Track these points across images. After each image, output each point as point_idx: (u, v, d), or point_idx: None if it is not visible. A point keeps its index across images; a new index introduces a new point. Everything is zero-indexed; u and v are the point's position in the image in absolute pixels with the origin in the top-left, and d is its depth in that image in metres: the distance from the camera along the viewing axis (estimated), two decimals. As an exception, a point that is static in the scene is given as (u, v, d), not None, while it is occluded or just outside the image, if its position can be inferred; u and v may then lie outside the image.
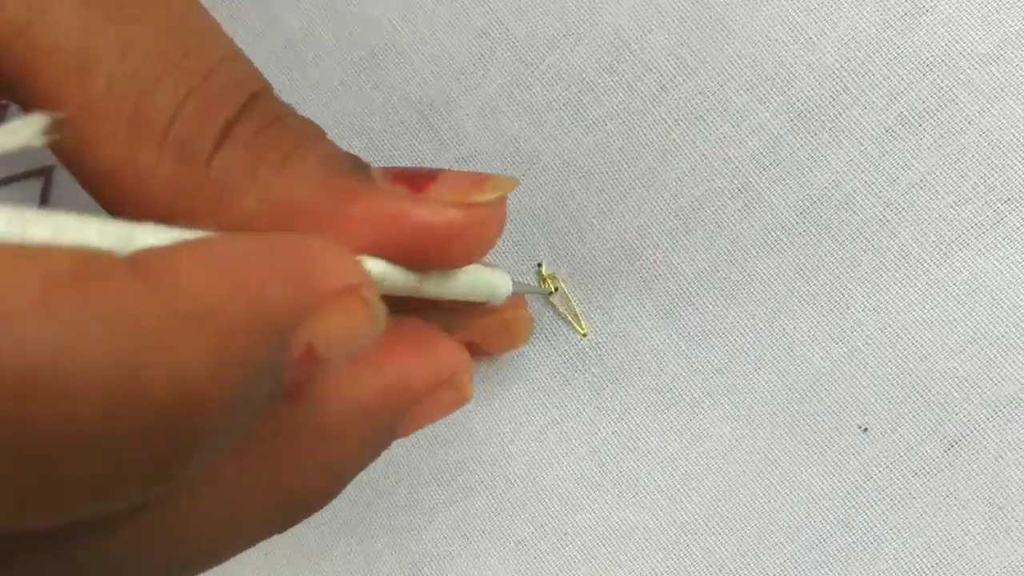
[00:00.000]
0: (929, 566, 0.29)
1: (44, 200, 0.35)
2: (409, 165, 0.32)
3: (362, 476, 0.32)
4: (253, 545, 0.22)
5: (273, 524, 0.22)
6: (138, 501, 0.17)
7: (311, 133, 0.23)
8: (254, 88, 0.22)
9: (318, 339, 0.18)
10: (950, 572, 0.29)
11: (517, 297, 0.29)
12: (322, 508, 0.23)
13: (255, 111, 0.22)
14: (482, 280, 0.25)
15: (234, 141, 0.21)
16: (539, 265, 0.31)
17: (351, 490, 0.32)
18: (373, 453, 0.23)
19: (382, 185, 0.22)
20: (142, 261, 0.16)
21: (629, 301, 0.31)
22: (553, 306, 0.31)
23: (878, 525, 0.30)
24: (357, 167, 0.22)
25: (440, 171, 0.22)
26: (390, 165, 0.32)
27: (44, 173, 0.35)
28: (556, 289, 0.31)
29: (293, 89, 0.33)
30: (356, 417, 0.21)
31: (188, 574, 0.21)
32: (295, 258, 0.18)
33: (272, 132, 0.22)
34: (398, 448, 0.32)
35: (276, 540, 0.32)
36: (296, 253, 0.18)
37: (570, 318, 0.31)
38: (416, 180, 0.22)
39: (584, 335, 0.31)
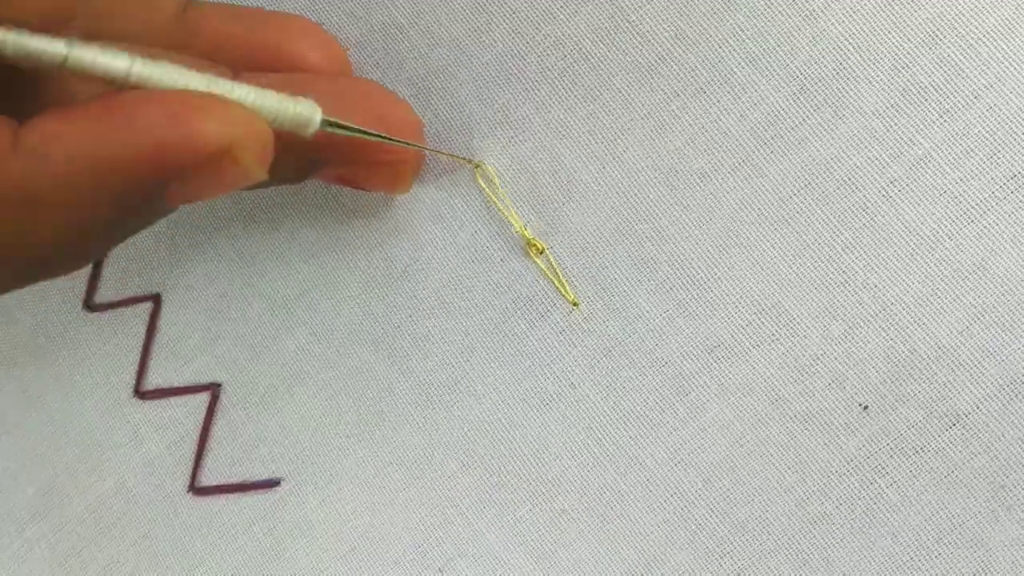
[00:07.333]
0: (931, 542, 0.29)
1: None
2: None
3: (363, 454, 0.32)
4: None
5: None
6: None
7: None
8: None
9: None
10: (951, 548, 0.29)
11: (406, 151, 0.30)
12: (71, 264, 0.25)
13: None
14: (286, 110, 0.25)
15: None
16: (525, 228, 0.31)
17: (351, 467, 0.32)
18: (122, 213, 0.24)
19: None
20: None
21: (623, 273, 0.30)
22: (542, 270, 0.31)
23: (878, 502, 0.29)
24: None
25: None
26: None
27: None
28: (542, 251, 0.31)
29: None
30: (90, 173, 0.22)
31: None
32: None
33: None
34: (394, 424, 0.32)
35: (282, 517, 0.33)
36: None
37: (558, 285, 0.31)
38: None
39: (575, 304, 0.31)
